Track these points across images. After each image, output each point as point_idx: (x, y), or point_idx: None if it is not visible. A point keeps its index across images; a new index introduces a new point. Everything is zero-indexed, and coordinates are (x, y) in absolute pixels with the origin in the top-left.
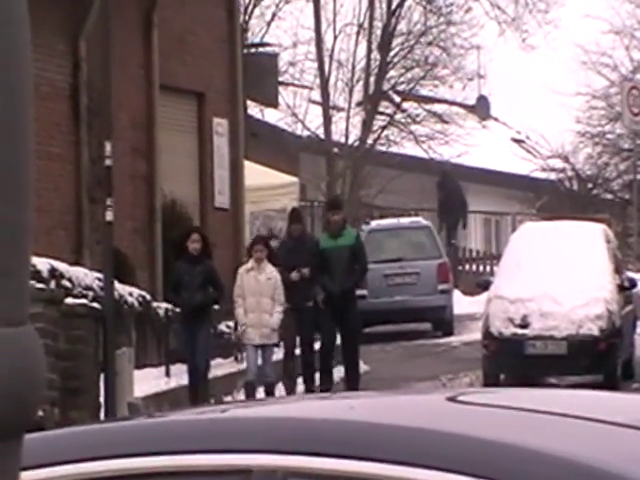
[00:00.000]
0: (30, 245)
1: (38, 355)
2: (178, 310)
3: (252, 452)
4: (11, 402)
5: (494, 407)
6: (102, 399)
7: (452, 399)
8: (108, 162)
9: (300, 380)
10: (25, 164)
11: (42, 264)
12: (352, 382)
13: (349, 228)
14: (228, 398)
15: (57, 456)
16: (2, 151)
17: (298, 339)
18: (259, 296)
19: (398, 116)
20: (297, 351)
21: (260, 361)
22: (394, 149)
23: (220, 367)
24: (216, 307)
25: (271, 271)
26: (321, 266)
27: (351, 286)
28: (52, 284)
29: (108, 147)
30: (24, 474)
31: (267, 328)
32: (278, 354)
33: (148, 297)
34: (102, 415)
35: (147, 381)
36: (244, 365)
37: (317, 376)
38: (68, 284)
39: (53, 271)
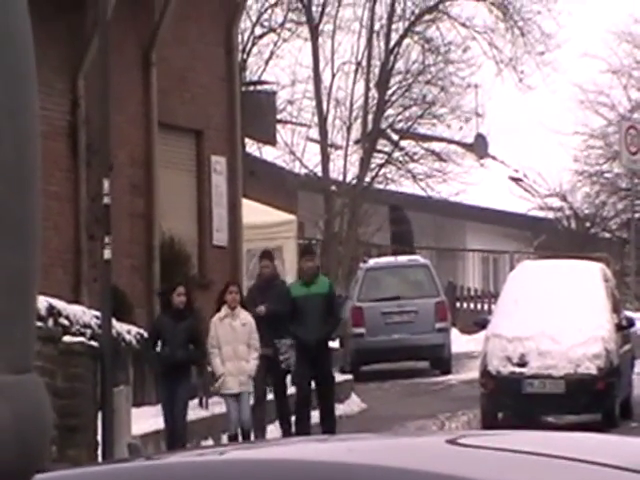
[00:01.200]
0: (36, 293)
1: (43, 402)
2: (156, 366)
3: None
4: (17, 448)
5: (493, 450)
6: (100, 437)
7: (451, 442)
8: (107, 200)
9: (277, 425)
10: (32, 215)
11: (40, 302)
12: (328, 430)
13: (322, 276)
14: (226, 434)
15: None
16: (10, 203)
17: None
18: (235, 343)
19: (396, 154)
20: (269, 396)
21: (235, 407)
22: (392, 187)
23: (218, 405)
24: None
25: (245, 316)
26: (292, 315)
27: (325, 336)
28: (50, 322)
29: (106, 185)
30: None
31: (244, 375)
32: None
33: (146, 335)
34: (100, 453)
35: (144, 419)
36: (217, 410)
37: (293, 422)
38: (66, 322)
39: (51, 309)
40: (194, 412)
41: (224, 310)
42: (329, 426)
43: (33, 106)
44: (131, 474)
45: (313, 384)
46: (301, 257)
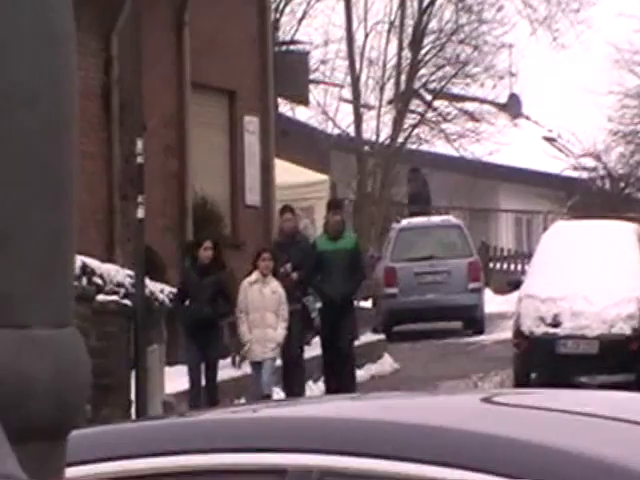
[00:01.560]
0: (74, 249)
1: (82, 356)
2: (184, 323)
3: (287, 451)
4: (55, 403)
5: (528, 408)
6: (133, 396)
7: (486, 400)
8: (140, 160)
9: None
10: (70, 173)
11: None
12: (348, 389)
13: (349, 232)
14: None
15: (96, 453)
16: (49, 161)
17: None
18: (263, 311)
19: (429, 114)
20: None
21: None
22: (425, 147)
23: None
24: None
25: (276, 285)
26: (318, 269)
27: (350, 293)
28: (84, 281)
29: (140, 145)
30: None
31: (272, 342)
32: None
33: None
34: (133, 412)
35: (178, 378)
36: (250, 370)
37: (314, 383)
38: (99, 281)
39: (84, 268)
40: (226, 372)
41: (255, 275)
42: (349, 386)
43: (71, 64)
44: (166, 430)
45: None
46: (328, 211)
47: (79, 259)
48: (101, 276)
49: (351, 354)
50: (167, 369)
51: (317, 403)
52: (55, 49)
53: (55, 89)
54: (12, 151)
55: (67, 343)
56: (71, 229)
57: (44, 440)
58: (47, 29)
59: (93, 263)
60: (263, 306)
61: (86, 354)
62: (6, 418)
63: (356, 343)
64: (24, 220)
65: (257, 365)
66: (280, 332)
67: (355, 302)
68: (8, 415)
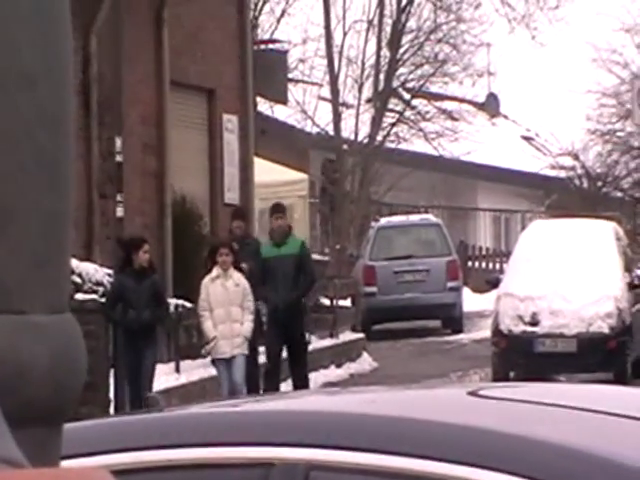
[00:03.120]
0: (70, 233)
1: (79, 342)
2: (120, 328)
3: (274, 445)
4: (52, 388)
5: (515, 401)
6: (112, 395)
7: (473, 393)
8: (119, 158)
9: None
10: (67, 156)
11: None
12: None
13: (294, 236)
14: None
15: (80, 448)
16: (45, 142)
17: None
18: (228, 305)
19: (408, 113)
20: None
21: (227, 373)
22: (404, 146)
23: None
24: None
25: (238, 277)
26: (263, 277)
27: (296, 299)
28: None
29: (118, 143)
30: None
31: (239, 338)
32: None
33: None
34: (112, 411)
35: (157, 377)
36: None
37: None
38: (78, 280)
39: None
40: (206, 370)
41: (216, 271)
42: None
43: (69, 48)
44: (151, 425)
45: (285, 353)
46: (270, 215)
47: None
48: (80, 275)
49: (304, 361)
50: None
51: (302, 397)
52: (53, 32)
53: (53, 73)
54: (7, 136)
55: (63, 329)
56: (68, 215)
57: (41, 426)
58: (45, 10)
59: (72, 262)
60: (228, 300)
61: (82, 340)
62: (3, 404)
63: (335, 342)
64: (20, 205)
65: (223, 362)
66: (247, 325)
67: (305, 307)
68: (5, 401)
